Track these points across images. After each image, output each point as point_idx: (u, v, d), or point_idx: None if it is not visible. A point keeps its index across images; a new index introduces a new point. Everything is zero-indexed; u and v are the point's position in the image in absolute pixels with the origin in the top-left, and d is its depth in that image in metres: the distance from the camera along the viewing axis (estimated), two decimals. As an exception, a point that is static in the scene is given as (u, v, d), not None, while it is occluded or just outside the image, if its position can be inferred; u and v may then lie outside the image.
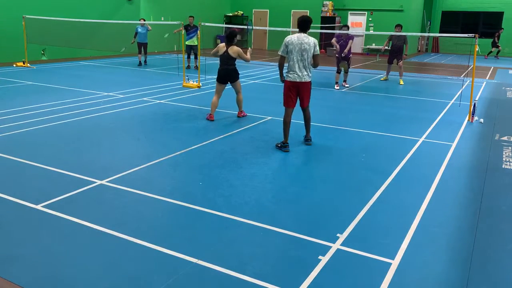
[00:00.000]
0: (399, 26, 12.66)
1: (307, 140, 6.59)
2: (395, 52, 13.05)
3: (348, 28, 12.10)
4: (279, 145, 6.28)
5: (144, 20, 15.82)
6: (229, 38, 7.84)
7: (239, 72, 7.98)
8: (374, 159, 6.01)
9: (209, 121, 7.78)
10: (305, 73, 6.10)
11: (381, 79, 13.90)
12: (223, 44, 7.86)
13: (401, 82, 13.06)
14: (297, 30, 6.18)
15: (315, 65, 6.24)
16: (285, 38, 6.09)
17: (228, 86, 8.09)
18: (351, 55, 12.03)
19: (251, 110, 8.60)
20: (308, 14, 25.47)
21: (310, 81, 6.23)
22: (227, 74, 7.83)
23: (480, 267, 3.45)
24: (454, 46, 26.30)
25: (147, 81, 12.29)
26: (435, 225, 4.11)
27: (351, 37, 11.72)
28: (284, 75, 6.25)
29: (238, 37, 26.97)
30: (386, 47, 13.56)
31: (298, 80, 6.09)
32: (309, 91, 6.29)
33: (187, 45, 14.62)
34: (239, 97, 8.08)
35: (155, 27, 17.66)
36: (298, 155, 6.11)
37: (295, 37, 6.04)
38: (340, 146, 6.59)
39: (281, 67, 6.30)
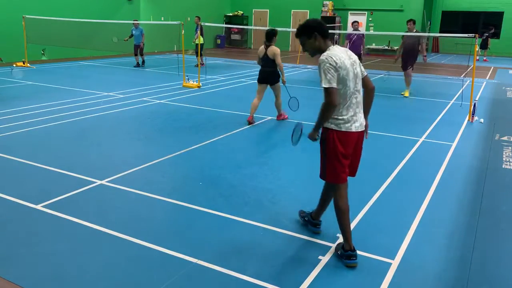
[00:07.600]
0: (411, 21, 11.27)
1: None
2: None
3: (358, 24, 12.41)
4: None
5: (137, 21, 15.66)
6: (268, 37, 7.43)
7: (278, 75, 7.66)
8: (374, 159, 6.00)
9: (249, 123, 7.54)
10: None
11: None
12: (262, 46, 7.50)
13: None
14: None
15: None
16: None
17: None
18: (362, 51, 12.27)
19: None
20: (308, 14, 25.48)
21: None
22: (266, 76, 7.58)
23: (480, 267, 3.45)
24: (454, 46, 26.25)
25: (147, 81, 12.29)
26: (435, 225, 4.11)
27: (362, 35, 12.17)
28: None
29: (237, 36, 27.07)
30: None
31: None
32: None
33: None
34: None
35: (155, 27, 17.65)
36: (297, 155, 6.11)
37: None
38: (340, 146, 6.58)
39: None
